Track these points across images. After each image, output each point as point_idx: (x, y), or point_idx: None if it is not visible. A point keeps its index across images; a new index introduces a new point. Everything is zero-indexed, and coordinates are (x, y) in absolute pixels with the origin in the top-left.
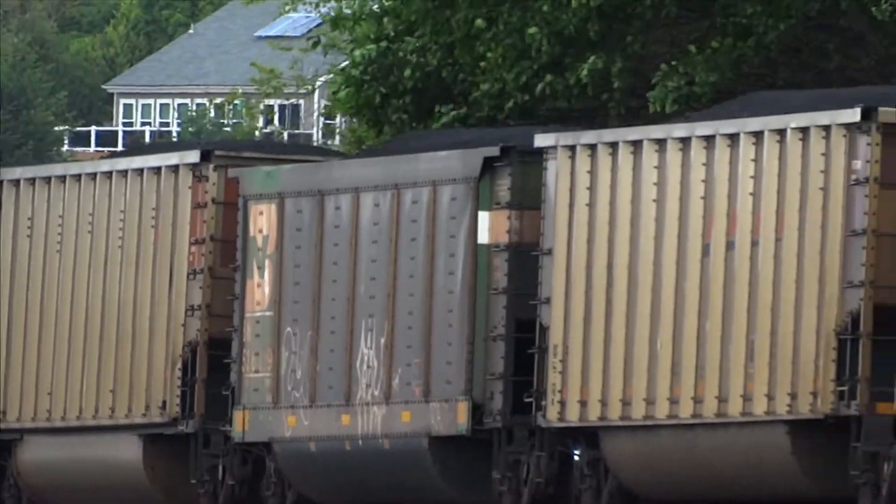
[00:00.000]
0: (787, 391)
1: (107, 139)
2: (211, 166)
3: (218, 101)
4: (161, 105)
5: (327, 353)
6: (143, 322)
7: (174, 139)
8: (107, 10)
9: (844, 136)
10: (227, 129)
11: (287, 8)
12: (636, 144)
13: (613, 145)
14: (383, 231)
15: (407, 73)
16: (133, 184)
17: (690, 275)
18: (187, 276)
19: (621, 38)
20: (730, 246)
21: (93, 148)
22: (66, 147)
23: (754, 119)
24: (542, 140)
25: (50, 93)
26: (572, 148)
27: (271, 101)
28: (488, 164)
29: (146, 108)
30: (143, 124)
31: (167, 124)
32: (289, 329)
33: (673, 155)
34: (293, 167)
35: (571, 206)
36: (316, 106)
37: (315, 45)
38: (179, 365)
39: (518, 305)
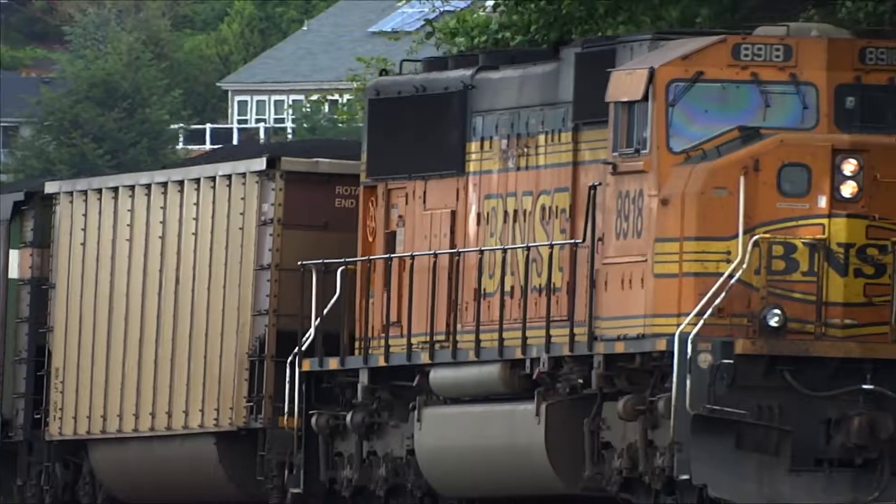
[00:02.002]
0: (214, 407)
1: (221, 137)
2: None
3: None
4: (276, 102)
5: None
6: None
7: (289, 136)
8: (220, 7)
9: (257, 182)
10: (342, 125)
11: (400, 3)
12: (116, 190)
13: (100, 191)
14: None
15: None
16: None
17: (150, 306)
18: None
19: None
20: (178, 280)
21: (208, 146)
22: (181, 145)
23: (195, 167)
24: (50, 187)
25: (164, 91)
26: (71, 193)
27: None
28: (18, 208)
29: (261, 105)
30: (257, 121)
31: (282, 121)
32: None
33: (140, 199)
34: None
35: (70, 245)
36: None
37: (429, 35)
38: None
39: (39, 333)
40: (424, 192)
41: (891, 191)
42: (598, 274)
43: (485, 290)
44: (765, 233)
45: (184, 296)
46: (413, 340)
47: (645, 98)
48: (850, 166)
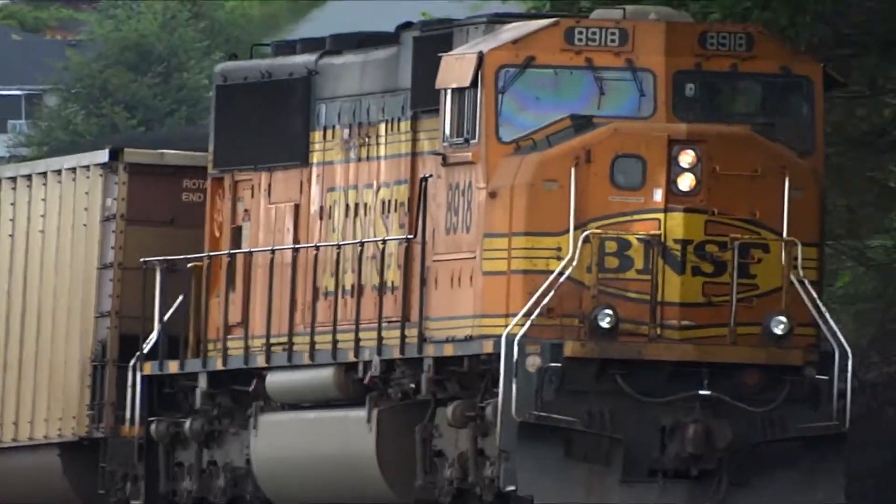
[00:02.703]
0: (58, 416)
1: None
2: None
3: None
4: None
5: None
6: None
7: None
8: None
9: (101, 175)
10: None
11: None
12: None
13: None
14: None
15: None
16: None
17: (1, 309)
18: None
19: None
20: (26, 281)
21: None
22: None
23: (42, 161)
24: None
25: (203, 54)
26: None
27: None
28: None
29: None
30: None
31: None
32: None
33: (6, 194)
34: None
35: None
36: None
37: None
38: None
39: None
40: (270, 185)
41: (731, 184)
42: (428, 271)
43: (326, 288)
44: (597, 228)
45: (31, 298)
46: (254, 343)
47: (474, 84)
48: (687, 157)
